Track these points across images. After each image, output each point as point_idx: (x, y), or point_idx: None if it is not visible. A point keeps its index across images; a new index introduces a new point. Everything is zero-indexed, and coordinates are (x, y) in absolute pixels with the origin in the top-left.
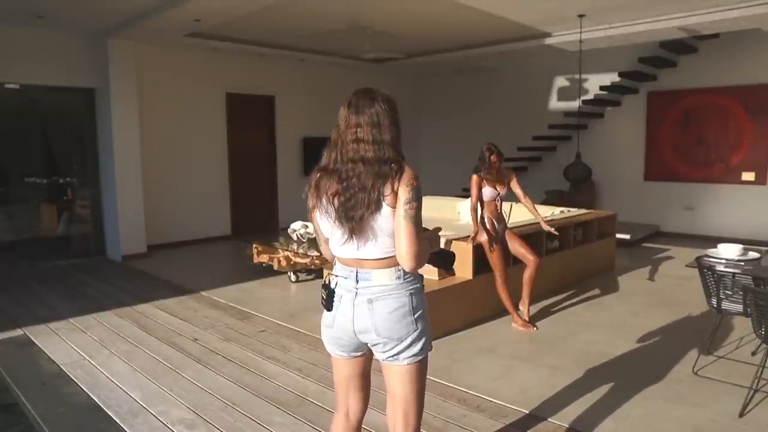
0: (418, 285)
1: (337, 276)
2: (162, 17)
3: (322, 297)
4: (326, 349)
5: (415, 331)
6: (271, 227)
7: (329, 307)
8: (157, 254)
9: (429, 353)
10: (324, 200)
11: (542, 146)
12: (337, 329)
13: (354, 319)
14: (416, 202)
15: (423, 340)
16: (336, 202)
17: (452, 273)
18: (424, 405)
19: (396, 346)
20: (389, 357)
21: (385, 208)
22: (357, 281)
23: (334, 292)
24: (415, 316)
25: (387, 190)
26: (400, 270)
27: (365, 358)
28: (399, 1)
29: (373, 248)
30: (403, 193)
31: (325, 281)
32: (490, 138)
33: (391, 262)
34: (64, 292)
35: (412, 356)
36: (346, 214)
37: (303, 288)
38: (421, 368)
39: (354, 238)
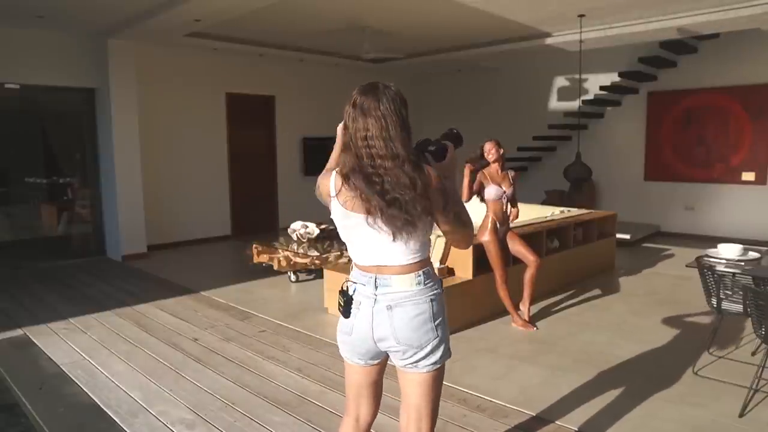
0: (439, 290)
1: (355, 282)
2: (162, 17)
3: (339, 304)
4: (342, 356)
5: (435, 338)
6: (271, 227)
7: (347, 315)
8: (157, 254)
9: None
10: (357, 206)
11: (542, 146)
12: (356, 337)
13: (374, 326)
14: (450, 203)
15: (443, 348)
16: (378, 205)
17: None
18: (438, 413)
19: (416, 353)
20: (408, 364)
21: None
22: (376, 287)
23: (352, 299)
24: (436, 322)
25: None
26: (420, 275)
27: (381, 366)
28: (399, 1)
29: (401, 254)
30: (436, 198)
31: (342, 288)
32: (490, 138)
33: (413, 267)
34: (64, 292)
35: (431, 364)
36: (395, 215)
37: (303, 288)
38: (438, 376)
39: (396, 241)
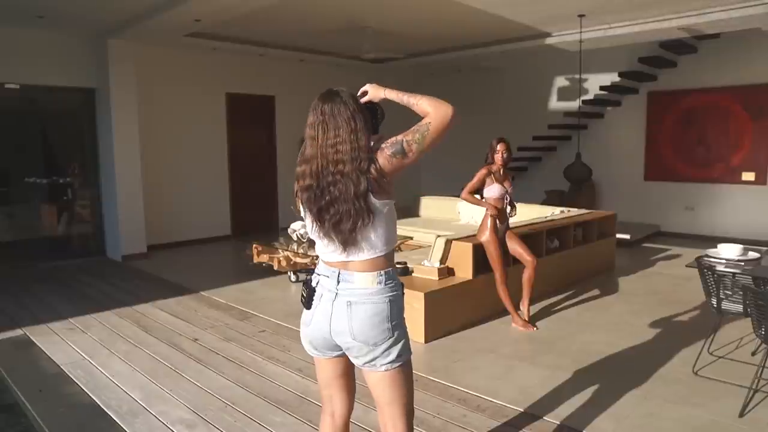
0: (397, 292)
1: (319, 275)
2: (162, 17)
3: (302, 295)
4: (305, 348)
5: (390, 338)
6: (271, 227)
7: (308, 306)
8: (157, 254)
9: (410, 358)
10: (310, 217)
11: (542, 146)
12: (314, 328)
13: (332, 320)
14: (397, 148)
15: (399, 347)
16: (323, 219)
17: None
18: (413, 410)
19: (370, 351)
20: (365, 363)
21: (379, 205)
22: (338, 282)
23: (314, 291)
24: (393, 323)
25: (373, 188)
26: (382, 275)
27: (344, 359)
28: (399, 1)
29: (363, 252)
30: (388, 160)
31: (306, 279)
32: (491, 138)
33: (375, 264)
34: (64, 292)
35: (388, 363)
36: (336, 229)
37: None
38: (400, 374)
39: (346, 250)
